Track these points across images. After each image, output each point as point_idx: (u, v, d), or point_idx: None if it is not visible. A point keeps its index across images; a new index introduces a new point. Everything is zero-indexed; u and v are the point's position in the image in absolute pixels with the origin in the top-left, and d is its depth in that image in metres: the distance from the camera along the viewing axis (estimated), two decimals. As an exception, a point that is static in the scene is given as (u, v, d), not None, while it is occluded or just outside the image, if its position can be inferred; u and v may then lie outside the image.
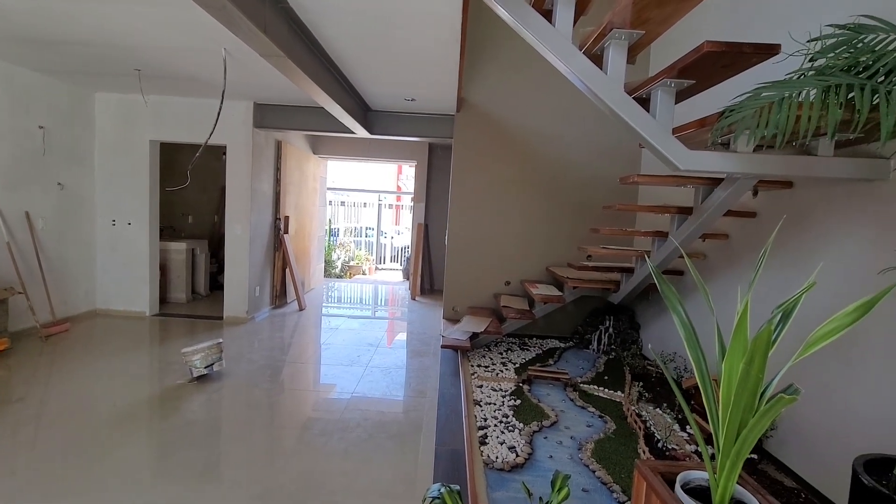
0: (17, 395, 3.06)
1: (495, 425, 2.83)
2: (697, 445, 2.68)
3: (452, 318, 4.87)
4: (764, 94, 1.38)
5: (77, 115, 4.73)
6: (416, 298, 7.01)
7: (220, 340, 3.53)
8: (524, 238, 4.88)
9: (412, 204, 7.74)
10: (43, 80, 4.28)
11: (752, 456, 2.53)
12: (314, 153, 7.13)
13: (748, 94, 1.47)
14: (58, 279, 4.56)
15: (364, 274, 9.85)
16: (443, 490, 1.52)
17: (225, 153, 5.09)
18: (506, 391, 3.35)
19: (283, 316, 5.59)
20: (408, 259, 8.68)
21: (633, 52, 2.12)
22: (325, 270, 8.71)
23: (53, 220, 4.52)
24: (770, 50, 1.62)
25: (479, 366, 3.87)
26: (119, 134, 4.98)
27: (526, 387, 3.45)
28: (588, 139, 4.74)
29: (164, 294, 5.71)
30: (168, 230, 6.45)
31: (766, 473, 2.40)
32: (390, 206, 12.77)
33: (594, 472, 2.39)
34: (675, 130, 2.08)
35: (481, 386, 3.44)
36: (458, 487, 1.60)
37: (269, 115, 5.03)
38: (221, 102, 3.28)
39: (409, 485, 2.30)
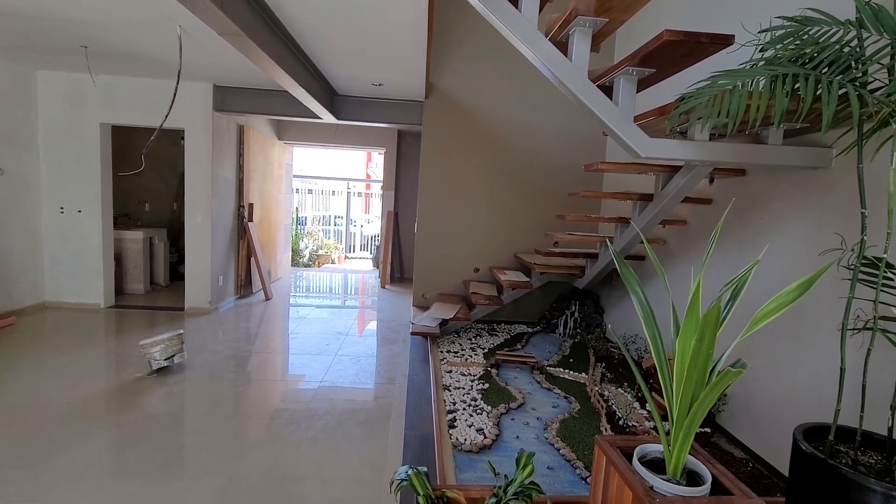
0: (-42, 394, 2.87)
1: (464, 409, 2.87)
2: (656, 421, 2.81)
3: (422, 306, 4.88)
4: (719, 81, 1.43)
5: (17, 95, 4.40)
6: (386, 286, 6.98)
7: (182, 331, 3.41)
8: (493, 225, 4.92)
9: (382, 192, 7.65)
10: (-24, 56, 3.96)
11: (706, 430, 2.68)
12: (279, 139, 6.92)
13: (704, 82, 1.53)
14: (1, 271, 4.28)
15: (333, 263, 9.71)
16: (410, 472, 1.53)
17: (183, 137, 4.87)
18: (475, 376, 3.40)
19: (248, 306, 5.45)
20: (377, 247, 8.61)
21: (597, 41, 2.15)
22: (293, 260, 8.53)
23: (-7, 208, 4.22)
24: (725, 40, 1.68)
25: (448, 352, 3.90)
26: (66, 116, 4.67)
27: (494, 371, 3.51)
28: (555, 127, 4.80)
29: (121, 285, 5.46)
30: (123, 218, 6.14)
31: (718, 445, 2.54)
32: (360, 194, 12.59)
33: (559, 450, 2.47)
34: (636, 118, 2.14)
35: (451, 371, 3.47)
36: (425, 469, 1.62)
37: (230, 98, 4.83)
38: (177, 83, 3.13)
39: (377, 470, 2.31)
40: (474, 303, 4.33)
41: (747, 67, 1.52)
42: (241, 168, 5.52)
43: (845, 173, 2.03)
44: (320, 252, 9.71)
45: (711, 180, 2.99)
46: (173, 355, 3.31)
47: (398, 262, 7.59)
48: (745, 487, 1.37)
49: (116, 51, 3.72)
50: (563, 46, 2.15)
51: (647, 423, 2.78)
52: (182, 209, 6.57)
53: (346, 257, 10.61)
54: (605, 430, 2.64)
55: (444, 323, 4.25)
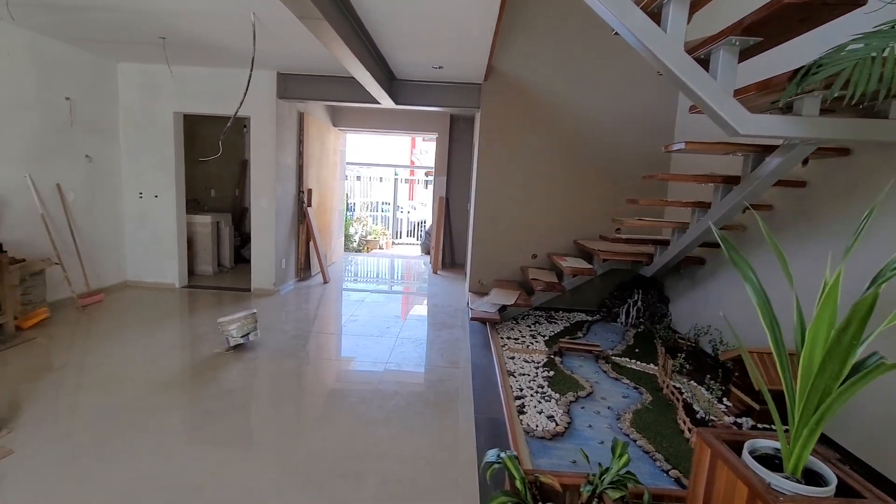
0: (59, 363, 3.14)
1: (532, 395, 2.85)
2: (735, 418, 2.67)
3: (479, 292, 4.86)
4: (864, 44, 1.28)
5: (101, 86, 4.69)
6: (438, 272, 7.02)
7: (255, 311, 3.57)
8: (552, 210, 4.81)
9: (428, 178, 7.65)
10: (66, 50, 4.23)
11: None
12: (334, 125, 7.03)
13: (837, 48, 1.37)
14: (90, 251, 4.63)
15: (381, 248, 9.85)
16: (504, 455, 1.52)
17: (247, 125, 5.03)
18: (538, 363, 3.36)
19: (308, 288, 5.63)
20: (426, 233, 8.65)
21: (694, 9, 2.00)
22: (344, 245, 8.73)
23: (83, 193, 4.55)
24: (857, 0, 1.51)
25: (508, 338, 3.87)
26: (142, 105, 4.94)
27: (558, 359, 3.45)
28: (619, 108, 4.59)
29: (191, 266, 5.78)
30: (192, 203, 6.47)
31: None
32: (405, 180, 12.66)
33: (635, 441, 2.39)
34: (734, 93, 1.98)
35: (513, 357, 3.45)
36: (515, 453, 1.61)
37: (292, 86, 4.94)
38: (251, 71, 3.21)
39: (452, 451, 2.33)
40: (534, 289, 4.27)
41: (888, 29, 1.36)
42: (300, 154, 5.66)
43: None
44: (369, 238, 9.88)
45: (805, 161, 2.75)
46: (248, 333, 3.47)
47: (449, 247, 7.60)
48: (876, 490, 1.27)
49: (191, 41, 3.87)
50: (654, 17, 2.02)
51: (725, 419, 2.64)
52: (243, 195, 6.86)
53: (393, 243, 10.74)
54: (685, 422, 2.54)
55: (503, 309, 4.21)
